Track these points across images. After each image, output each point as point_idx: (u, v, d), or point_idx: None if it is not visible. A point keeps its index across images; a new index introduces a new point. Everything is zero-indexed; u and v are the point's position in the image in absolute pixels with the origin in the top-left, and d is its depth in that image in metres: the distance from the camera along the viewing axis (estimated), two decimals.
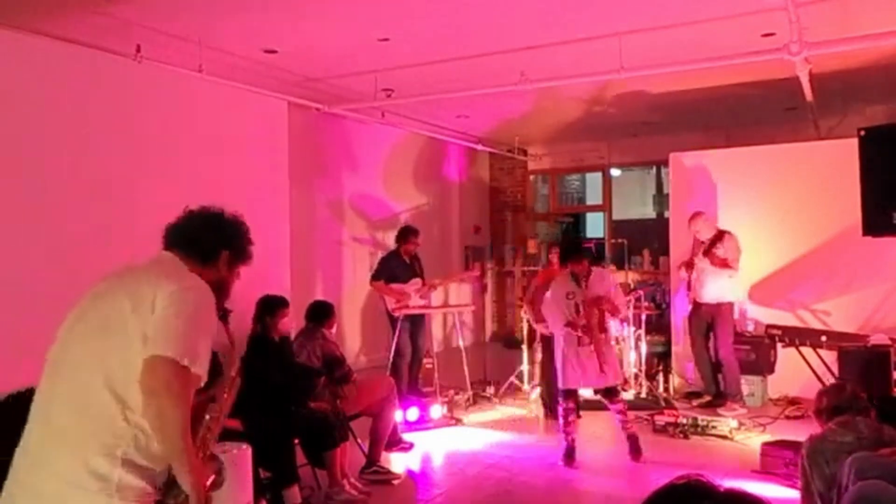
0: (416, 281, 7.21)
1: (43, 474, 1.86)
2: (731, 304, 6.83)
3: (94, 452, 1.84)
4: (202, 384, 1.98)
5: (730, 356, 6.69)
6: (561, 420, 5.41)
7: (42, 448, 1.90)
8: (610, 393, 5.40)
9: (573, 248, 5.64)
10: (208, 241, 2.21)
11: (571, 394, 5.40)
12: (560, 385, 5.39)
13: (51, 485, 1.85)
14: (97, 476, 1.83)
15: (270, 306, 4.63)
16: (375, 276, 7.27)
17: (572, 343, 5.28)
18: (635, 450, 5.29)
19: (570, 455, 5.31)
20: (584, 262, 5.35)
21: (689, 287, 7.09)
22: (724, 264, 6.66)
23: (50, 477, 1.85)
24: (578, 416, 5.49)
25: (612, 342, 5.46)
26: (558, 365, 5.39)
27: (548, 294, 5.52)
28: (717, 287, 6.75)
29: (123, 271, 2.12)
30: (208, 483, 1.98)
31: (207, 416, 2.08)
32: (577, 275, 5.33)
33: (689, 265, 6.93)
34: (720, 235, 6.80)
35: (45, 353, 2.02)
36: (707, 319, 6.85)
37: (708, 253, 6.74)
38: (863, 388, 4.50)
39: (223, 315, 2.23)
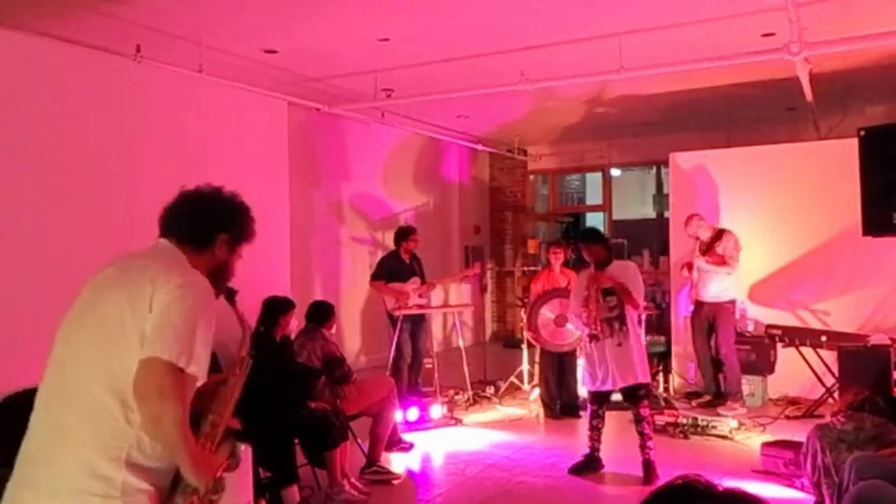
0: (415, 280, 7.22)
1: (46, 479, 1.84)
2: (732, 303, 6.83)
3: (97, 455, 1.82)
4: (199, 384, 1.94)
5: (731, 355, 6.69)
6: (587, 424, 5.20)
7: (45, 452, 1.87)
8: (630, 395, 4.96)
9: (585, 233, 5.38)
10: (203, 225, 2.11)
11: (593, 397, 5.09)
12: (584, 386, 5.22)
13: (53, 487, 1.83)
14: (101, 478, 1.81)
15: (281, 307, 4.65)
16: (375, 276, 7.28)
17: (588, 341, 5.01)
18: (648, 473, 4.82)
19: (583, 467, 5.06)
20: (598, 248, 4.97)
21: (692, 286, 7.09)
22: (721, 261, 6.66)
23: (53, 481, 1.84)
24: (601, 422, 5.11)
25: (633, 336, 4.97)
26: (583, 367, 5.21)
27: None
28: (718, 286, 6.75)
29: (121, 263, 2.05)
30: (221, 469, 1.97)
31: (217, 401, 2.04)
32: (596, 263, 4.95)
33: (691, 266, 6.95)
34: (719, 234, 6.81)
35: (44, 353, 2.01)
36: (709, 318, 6.85)
37: (707, 252, 6.74)
38: (862, 388, 4.52)
39: (229, 295, 2.18)
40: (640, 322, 7.24)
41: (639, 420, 4.91)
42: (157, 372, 1.81)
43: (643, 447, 4.88)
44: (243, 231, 2.18)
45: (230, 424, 2.09)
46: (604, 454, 5.12)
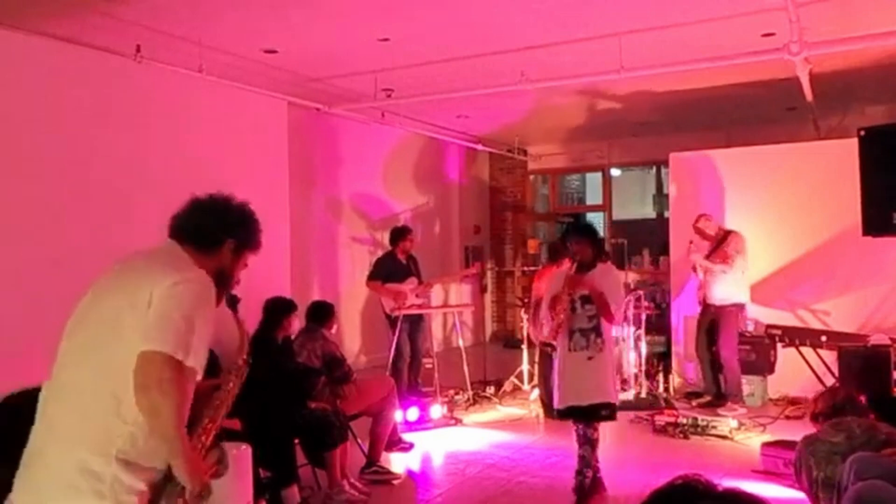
0: (413, 280, 7.22)
1: (38, 472, 1.87)
2: (736, 306, 6.72)
3: (86, 450, 1.84)
4: (198, 378, 1.97)
5: (732, 359, 6.63)
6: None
7: (39, 445, 1.91)
8: (592, 413, 4.36)
9: (577, 226, 4.88)
10: (211, 229, 2.17)
11: (565, 414, 4.48)
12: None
13: (43, 483, 1.86)
14: (90, 473, 1.82)
15: (286, 308, 4.67)
16: (372, 277, 7.27)
17: (561, 349, 4.47)
18: (580, 501, 4.37)
19: (579, 491, 4.42)
20: (586, 246, 4.42)
21: (700, 287, 7.02)
22: (723, 258, 6.60)
23: (43, 474, 1.86)
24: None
25: (606, 350, 4.43)
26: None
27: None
28: (724, 289, 6.69)
29: (126, 262, 2.10)
30: (209, 473, 1.99)
31: (211, 405, 2.06)
32: (578, 263, 4.39)
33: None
34: (725, 236, 6.77)
35: (45, 353, 2.03)
36: (713, 321, 6.79)
37: (715, 252, 6.69)
38: (862, 388, 4.51)
39: (231, 303, 2.22)
40: (639, 323, 7.25)
41: (586, 442, 4.39)
42: (157, 364, 1.84)
43: (580, 472, 4.40)
44: (250, 238, 2.25)
45: (231, 426, 2.10)
46: (600, 455, 4.79)
